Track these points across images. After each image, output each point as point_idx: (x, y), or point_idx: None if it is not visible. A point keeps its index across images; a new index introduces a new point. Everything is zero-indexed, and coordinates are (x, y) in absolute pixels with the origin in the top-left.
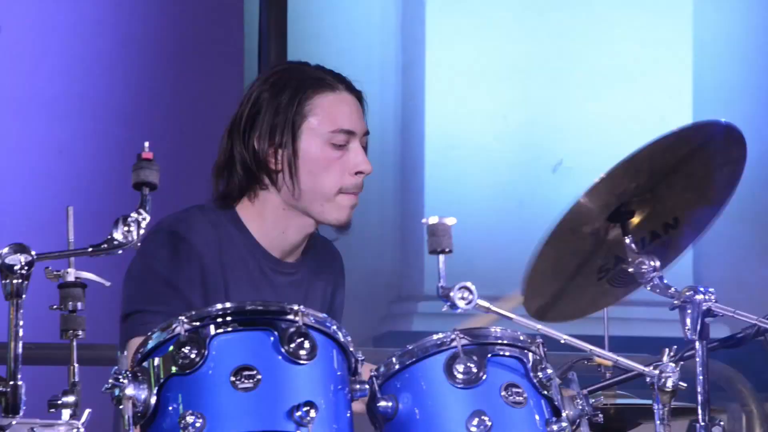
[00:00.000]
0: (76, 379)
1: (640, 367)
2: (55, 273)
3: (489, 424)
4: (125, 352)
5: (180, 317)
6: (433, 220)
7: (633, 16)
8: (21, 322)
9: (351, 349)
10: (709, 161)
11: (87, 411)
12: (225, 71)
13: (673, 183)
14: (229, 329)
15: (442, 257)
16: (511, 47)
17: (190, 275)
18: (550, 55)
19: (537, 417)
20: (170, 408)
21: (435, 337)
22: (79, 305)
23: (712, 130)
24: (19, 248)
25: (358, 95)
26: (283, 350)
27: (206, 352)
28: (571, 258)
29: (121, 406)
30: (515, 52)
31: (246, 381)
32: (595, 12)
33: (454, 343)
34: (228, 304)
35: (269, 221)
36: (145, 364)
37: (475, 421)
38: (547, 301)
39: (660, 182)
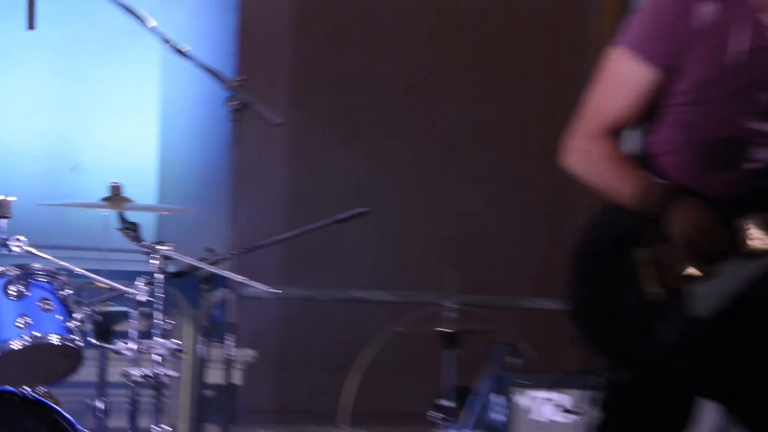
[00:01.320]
0: None
1: (124, 288)
2: None
3: (31, 322)
4: None
5: None
6: None
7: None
8: None
9: None
10: None
11: None
12: None
13: None
14: None
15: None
16: (45, 65)
17: None
18: (74, 77)
19: (59, 318)
20: None
21: None
22: None
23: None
24: None
25: None
26: None
27: None
28: None
29: None
30: (48, 70)
31: None
32: (114, 47)
33: (8, 273)
34: None
35: None
36: None
37: (21, 321)
38: None
39: None
